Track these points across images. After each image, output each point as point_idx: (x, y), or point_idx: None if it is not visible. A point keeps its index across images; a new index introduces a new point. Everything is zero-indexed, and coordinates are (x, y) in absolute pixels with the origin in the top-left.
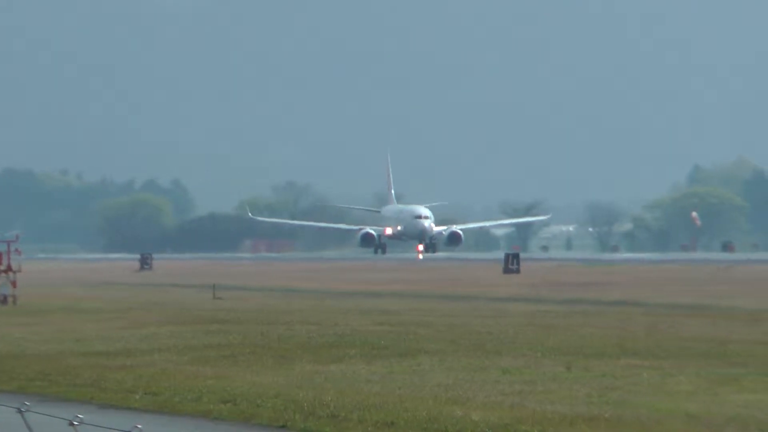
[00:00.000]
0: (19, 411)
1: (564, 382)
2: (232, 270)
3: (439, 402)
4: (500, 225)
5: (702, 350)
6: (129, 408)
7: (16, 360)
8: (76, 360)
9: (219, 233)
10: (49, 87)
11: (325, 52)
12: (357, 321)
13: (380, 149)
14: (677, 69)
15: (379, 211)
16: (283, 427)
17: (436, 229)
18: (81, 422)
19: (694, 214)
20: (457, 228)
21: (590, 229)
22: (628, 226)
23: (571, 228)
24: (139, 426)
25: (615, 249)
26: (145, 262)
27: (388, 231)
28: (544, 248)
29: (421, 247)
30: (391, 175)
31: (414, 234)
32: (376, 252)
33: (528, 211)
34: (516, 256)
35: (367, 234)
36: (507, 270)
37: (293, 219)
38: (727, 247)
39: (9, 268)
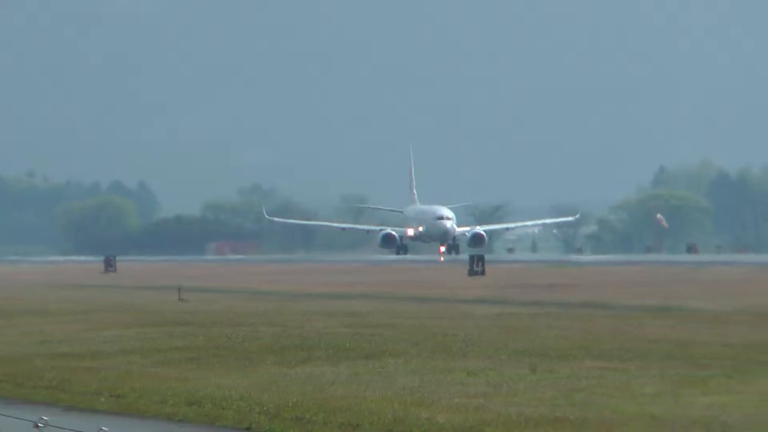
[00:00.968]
0: None
1: (529, 384)
2: (197, 272)
3: (404, 404)
4: (524, 226)
5: (666, 352)
6: (94, 410)
7: None
8: (41, 362)
9: (184, 235)
10: (10, 87)
11: (293, 53)
12: (323, 323)
13: (348, 151)
14: (645, 71)
15: (401, 212)
16: (248, 429)
17: (459, 230)
18: (46, 424)
19: (659, 216)
20: (480, 229)
21: (554, 231)
22: (593, 227)
23: (536, 230)
24: (105, 428)
25: (580, 251)
26: (109, 264)
27: (410, 232)
28: (510, 250)
29: (443, 249)
30: (413, 175)
31: (436, 235)
32: (398, 253)
33: (493, 213)
34: (481, 258)
35: (388, 235)
36: (472, 272)
37: (259, 221)
38: (691, 248)
39: None
